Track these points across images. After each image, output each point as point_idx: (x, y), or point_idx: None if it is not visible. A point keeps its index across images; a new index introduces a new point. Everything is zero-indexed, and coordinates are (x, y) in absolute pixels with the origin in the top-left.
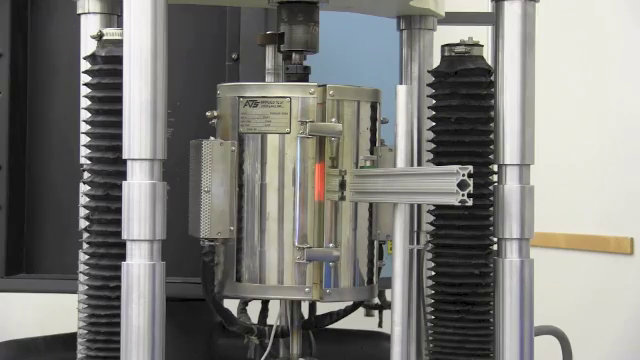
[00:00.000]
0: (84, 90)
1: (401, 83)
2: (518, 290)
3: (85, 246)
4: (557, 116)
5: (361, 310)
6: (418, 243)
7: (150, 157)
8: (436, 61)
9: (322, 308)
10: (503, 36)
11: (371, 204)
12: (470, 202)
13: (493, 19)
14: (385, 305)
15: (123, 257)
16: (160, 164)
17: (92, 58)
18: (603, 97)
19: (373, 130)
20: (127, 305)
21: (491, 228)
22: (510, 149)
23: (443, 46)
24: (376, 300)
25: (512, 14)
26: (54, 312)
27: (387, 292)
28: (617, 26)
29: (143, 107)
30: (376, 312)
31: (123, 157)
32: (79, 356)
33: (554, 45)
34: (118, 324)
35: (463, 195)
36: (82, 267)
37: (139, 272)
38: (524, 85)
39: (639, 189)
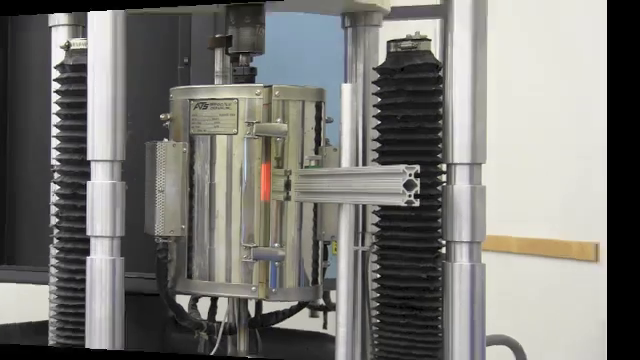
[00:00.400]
0: (54, 97)
1: (346, 82)
2: (469, 296)
3: (55, 241)
4: (510, 114)
5: (306, 311)
6: (363, 244)
7: (110, 158)
8: (382, 59)
9: (269, 307)
10: (453, 29)
11: (316, 204)
12: (417, 203)
13: (442, 12)
14: (330, 306)
15: (88, 252)
16: (119, 165)
17: (61, 67)
18: (557, 95)
19: (318, 130)
20: (91, 297)
21: (439, 230)
22: (460, 147)
23: (389, 42)
24: (321, 301)
25: (462, 6)
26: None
27: (332, 293)
28: (571, 23)
29: (104, 111)
30: (321, 313)
31: (87, 159)
32: (50, 342)
33: (507, 41)
34: (84, 314)
35: (410, 196)
36: (52, 261)
37: (101, 266)
38: (475, 79)
39: (598, 192)
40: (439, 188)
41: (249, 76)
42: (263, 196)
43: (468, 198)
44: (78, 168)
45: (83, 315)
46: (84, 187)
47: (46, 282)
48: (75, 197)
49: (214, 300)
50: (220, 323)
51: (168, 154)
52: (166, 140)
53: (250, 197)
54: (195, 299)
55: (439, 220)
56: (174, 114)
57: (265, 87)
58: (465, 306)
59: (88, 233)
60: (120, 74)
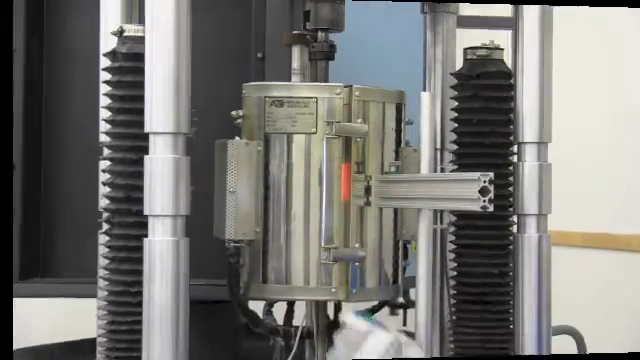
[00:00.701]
0: (103, 87)
1: (425, 62)
2: (536, 266)
3: (105, 250)
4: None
5: (385, 309)
6: (442, 223)
7: (173, 130)
8: (458, 46)
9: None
10: (522, 41)
11: None
12: (491, 208)
13: (511, 24)
14: (409, 304)
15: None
16: (184, 139)
17: (112, 55)
18: (615, 94)
19: (398, 131)
20: (150, 281)
21: (510, 228)
22: (530, 128)
23: (465, 49)
24: (400, 299)
25: (530, 20)
26: (70, 317)
27: (412, 291)
28: (625, 26)
29: (166, 78)
30: (401, 311)
31: (145, 131)
32: None
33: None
34: (139, 331)
35: (484, 201)
36: (102, 272)
37: (162, 248)
38: (542, 89)
39: None
40: (510, 189)
41: (328, 52)
42: (343, 196)
43: (536, 175)
44: (133, 168)
45: (138, 332)
46: (140, 189)
47: (87, 295)
48: (129, 201)
49: (291, 304)
50: (297, 328)
51: (240, 153)
52: (238, 138)
53: (330, 198)
54: (270, 304)
55: (510, 219)
56: (247, 111)
57: (345, 87)
58: (534, 277)
59: (146, 212)
60: (184, 41)
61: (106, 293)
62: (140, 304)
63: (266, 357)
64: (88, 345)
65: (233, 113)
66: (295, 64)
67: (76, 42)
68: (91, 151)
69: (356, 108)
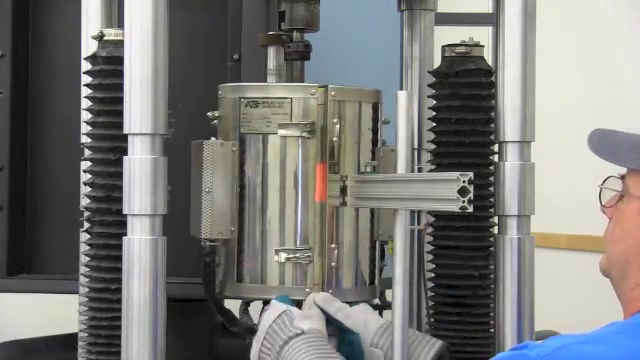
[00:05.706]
0: (84, 90)
1: (401, 63)
2: (517, 267)
3: (86, 248)
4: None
5: None
6: (419, 223)
7: (151, 132)
8: (437, 43)
9: None
10: (503, 38)
11: None
12: (470, 209)
13: (493, 20)
14: (385, 306)
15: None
16: (161, 139)
17: (93, 59)
18: (601, 95)
19: (375, 131)
20: (128, 279)
21: (491, 229)
22: (512, 129)
23: (444, 46)
24: (376, 301)
25: (512, 16)
26: (55, 312)
27: (388, 292)
28: (615, 25)
29: (144, 79)
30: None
31: (124, 132)
32: (80, 358)
33: (553, 46)
34: (119, 327)
35: (464, 202)
36: (83, 269)
37: (140, 247)
38: (524, 87)
39: None
40: (491, 189)
41: (303, 52)
42: (318, 196)
43: (517, 174)
44: (112, 168)
45: (118, 328)
46: (119, 189)
47: (70, 291)
48: (109, 200)
49: (267, 304)
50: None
51: (216, 153)
52: (214, 139)
53: (305, 198)
54: (247, 303)
55: (491, 220)
56: (223, 112)
57: (320, 87)
58: (515, 279)
59: (125, 212)
60: (161, 44)
61: (87, 290)
62: (119, 301)
63: (243, 355)
64: (75, 340)
65: (209, 114)
66: (271, 64)
67: (62, 43)
68: (76, 151)
69: (332, 108)
